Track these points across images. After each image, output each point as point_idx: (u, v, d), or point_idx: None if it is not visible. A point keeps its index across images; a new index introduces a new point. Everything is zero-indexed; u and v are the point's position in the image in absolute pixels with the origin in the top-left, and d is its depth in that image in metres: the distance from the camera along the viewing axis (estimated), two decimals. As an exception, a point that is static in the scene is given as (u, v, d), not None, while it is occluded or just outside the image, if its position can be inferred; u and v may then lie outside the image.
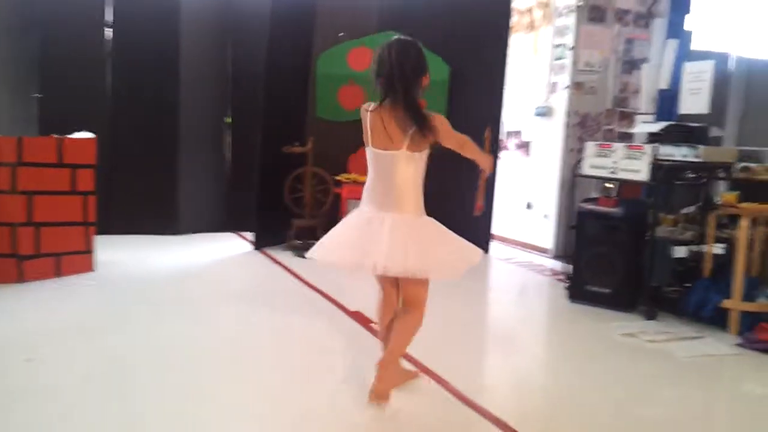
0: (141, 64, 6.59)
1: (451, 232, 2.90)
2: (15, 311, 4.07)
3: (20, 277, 4.64)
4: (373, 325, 3.97)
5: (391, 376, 2.83)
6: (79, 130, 5.18)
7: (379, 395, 2.74)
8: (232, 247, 6.46)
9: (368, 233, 2.75)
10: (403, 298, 2.94)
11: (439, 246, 2.82)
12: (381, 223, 2.76)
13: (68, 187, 4.89)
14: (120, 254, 5.70)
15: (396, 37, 2.82)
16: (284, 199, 6.29)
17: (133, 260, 5.57)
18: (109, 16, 6.53)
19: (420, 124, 2.72)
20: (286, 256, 5.96)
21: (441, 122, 2.76)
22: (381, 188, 2.84)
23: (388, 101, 2.77)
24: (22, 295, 4.39)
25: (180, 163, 6.76)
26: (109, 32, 6.57)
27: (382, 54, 2.75)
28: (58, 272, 4.83)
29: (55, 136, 4.90)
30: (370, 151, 2.86)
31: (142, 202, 6.67)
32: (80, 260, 4.98)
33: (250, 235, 6.46)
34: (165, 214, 6.75)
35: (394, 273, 2.73)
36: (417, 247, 2.72)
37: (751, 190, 4.33)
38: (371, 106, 2.82)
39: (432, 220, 2.90)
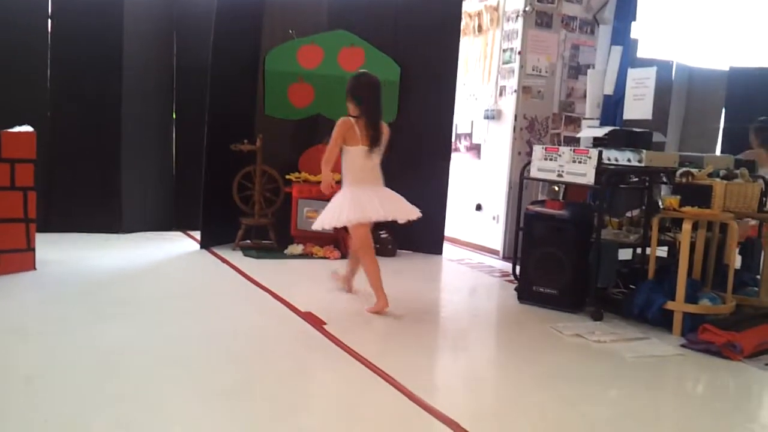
0: (82, 57, 6.41)
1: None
2: (-51, 312, 3.89)
3: (-45, 276, 4.46)
4: (325, 326, 3.95)
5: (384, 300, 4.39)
6: (18, 123, 5.00)
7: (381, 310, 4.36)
8: (179, 246, 6.33)
9: (373, 199, 4.27)
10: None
11: (401, 202, 4.46)
12: (376, 193, 4.33)
13: (7, 183, 4.72)
14: (61, 253, 5.52)
15: (366, 72, 4.48)
16: (232, 198, 6.19)
17: (75, 259, 5.39)
18: (49, 6, 6.33)
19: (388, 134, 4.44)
20: (234, 256, 5.87)
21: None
22: (371, 173, 4.35)
23: (369, 117, 4.27)
24: (-44, 295, 4.21)
25: (124, 159, 6.60)
26: (49, 23, 6.36)
27: (366, 86, 4.31)
28: (-4, 271, 4.66)
29: (-6, 129, 4.72)
30: (360, 149, 4.26)
31: (85, 199, 6.49)
32: (21, 258, 4.80)
33: (197, 234, 6.34)
34: (108, 211, 6.57)
35: (391, 218, 4.36)
36: (397, 203, 4.41)
37: (691, 194, 4.46)
38: (353, 120, 4.25)
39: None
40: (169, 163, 7.09)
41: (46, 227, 6.08)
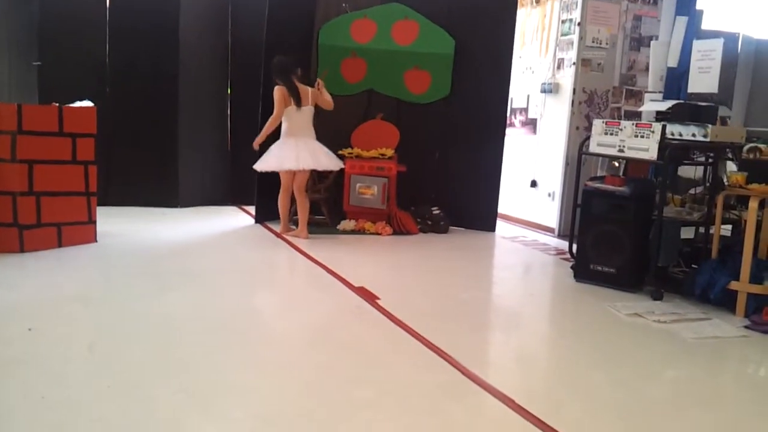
0: (140, 33, 6.52)
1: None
2: (17, 281, 4.03)
3: (22, 247, 4.61)
4: (378, 300, 3.95)
5: (303, 230, 5.70)
6: (79, 99, 5.11)
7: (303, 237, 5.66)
8: (234, 220, 6.43)
9: (299, 149, 5.49)
10: (296, 187, 5.64)
11: (326, 153, 5.68)
12: (305, 144, 5.55)
13: (69, 157, 4.84)
14: (120, 226, 5.66)
15: (278, 56, 5.59)
16: (286, 173, 6.23)
17: (134, 232, 5.53)
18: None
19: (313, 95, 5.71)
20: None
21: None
22: (302, 126, 5.58)
23: (297, 83, 5.55)
24: (24, 265, 4.36)
25: (180, 134, 6.71)
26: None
27: (280, 66, 5.53)
28: (59, 242, 4.80)
29: (56, 104, 4.83)
30: (292, 108, 5.50)
31: (143, 173, 6.63)
32: (82, 231, 4.94)
33: (252, 209, 6.42)
34: (166, 186, 6.71)
35: (314, 167, 5.63)
36: (321, 153, 5.61)
37: (758, 170, 4.29)
38: (284, 89, 5.50)
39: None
40: (224, 138, 7.18)
41: (106, 201, 6.24)
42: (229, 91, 7.12)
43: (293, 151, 5.49)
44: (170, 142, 6.66)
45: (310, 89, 5.62)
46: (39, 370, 2.74)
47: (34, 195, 4.66)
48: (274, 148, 5.57)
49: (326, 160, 5.64)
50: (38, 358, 2.88)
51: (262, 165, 5.59)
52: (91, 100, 5.13)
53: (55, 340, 3.10)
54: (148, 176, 6.66)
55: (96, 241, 5.02)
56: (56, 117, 4.74)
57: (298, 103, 5.52)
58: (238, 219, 6.50)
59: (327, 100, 5.72)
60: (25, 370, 2.74)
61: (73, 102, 5.00)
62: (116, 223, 5.68)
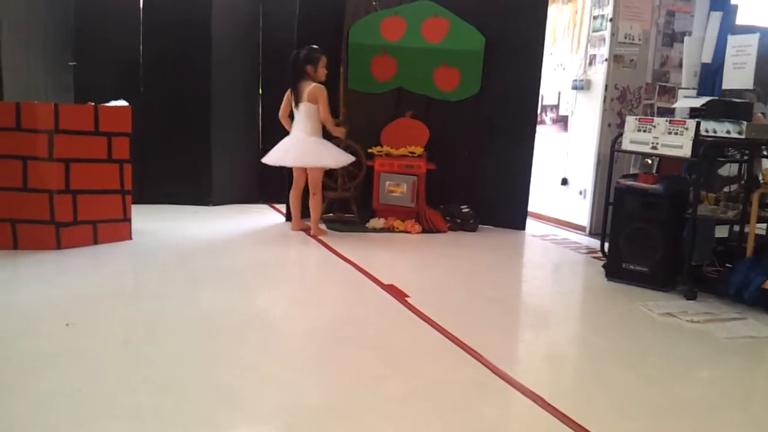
0: (173, 33, 6.60)
1: (333, 145, 5.69)
2: (54, 277, 4.13)
3: (58, 244, 4.71)
4: (407, 298, 3.96)
5: (317, 230, 5.70)
6: (114, 98, 5.20)
7: (316, 235, 5.65)
8: (265, 218, 6.49)
9: (298, 145, 5.52)
10: (309, 185, 5.62)
11: (328, 149, 5.59)
12: (293, 141, 5.56)
13: (104, 156, 4.93)
14: (154, 224, 5.75)
15: (298, 50, 5.63)
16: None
17: (168, 230, 5.61)
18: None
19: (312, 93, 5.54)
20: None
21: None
22: (296, 124, 5.60)
23: (292, 85, 5.58)
24: (60, 262, 4.46)
25: (213, 133, 6.78)
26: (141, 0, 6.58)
27: (296, 61, 5.58)
28: (95, 240, 4.90)
29: (92, 104, 4.92)
30: (294, 108, 5.59)
31: (176, 172, 6.72)
32: (117, 228, 5.03)
33: (282, 207, 6.47)
34: (198, 184, 6.80)
35: (311, 165, 5.53)
36: (321, 150, 5.55)
37: (796, 168, 4.21)
38: (290, 92, 5.64)
39: (322, 139, 5.61)
40: (255, 137, 7.24)
41: (141, 199, 6.35)
42: (260, 91, 7.18)
43: (286, 149, 5.54)
44: (203, 141, 6.74)
45: (311, 85, 5.48)
46: (76, 364, 2.81)
47: (71, 193, 4.76)
48: (285, 140, 5.67)
49: (298, 158, 5.50)
50: (75, 352, 2.95)
51: (272, 158, 5.65)
52: (126, 100, 5.21)
53: (91, 335, 3.17)
54: (182, 175, 6.75)
55: (131, 239, 5.11)
56: (92, 116, 4.84)
57: (294, 101, 5.55)
58: (268, 217, 6.56)
59: (330, 128, 5.62)
60: (63, 364, 2.80)
61: (108, 101, 5.09)
62: (150, 221, 5.78)
